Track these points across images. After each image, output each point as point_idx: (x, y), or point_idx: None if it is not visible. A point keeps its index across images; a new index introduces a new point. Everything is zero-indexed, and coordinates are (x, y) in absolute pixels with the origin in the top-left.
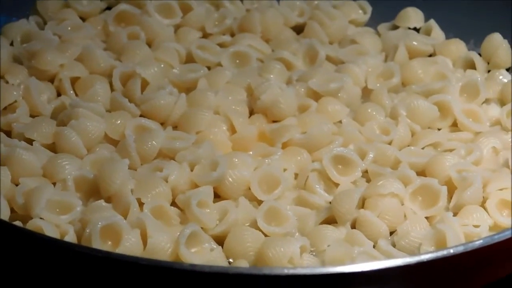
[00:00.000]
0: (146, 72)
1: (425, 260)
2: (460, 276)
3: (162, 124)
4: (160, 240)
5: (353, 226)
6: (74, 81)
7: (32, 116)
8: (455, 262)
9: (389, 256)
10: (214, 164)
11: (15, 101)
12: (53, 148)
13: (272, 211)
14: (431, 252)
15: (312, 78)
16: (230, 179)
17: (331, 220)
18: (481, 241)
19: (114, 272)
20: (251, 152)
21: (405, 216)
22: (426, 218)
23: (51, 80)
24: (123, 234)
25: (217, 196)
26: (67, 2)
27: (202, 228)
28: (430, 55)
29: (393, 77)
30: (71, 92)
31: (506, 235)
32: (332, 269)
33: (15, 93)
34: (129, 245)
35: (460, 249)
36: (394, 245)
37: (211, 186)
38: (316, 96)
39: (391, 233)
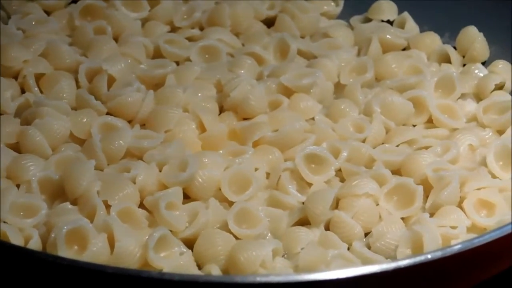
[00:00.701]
0: (112, 68)
1: (402, 266)
2: (440, 280)
3: (129, 122)
4: (128, 245)
5: (327, 228)
6: (39, 77)
7: None
8: (434, 267)
9: (364, 259)
10: (183, 164)
11: None
12: (17, 148)
13: (244, 213)
14: (408, 257)
15: (283, 74)
16: (200, 179)
17: (304, 221)
18: (459, 245)
19: (80, 280)
20: (221, 151)
21: (380, 217)
22: (402, 219)
23: (15, 77)
24: (89, 238)
25: (187, 197)
26: None
27: (171, 231)
28: (404, 49)
29: (366, 72)
30: (36, 89)
31: (486, 239)
32: (306, 276)
33: None
34: (96, 250)
35: (438, 254)
36: (369, 247)
37: (180, 187)
38: (288, 92)
39: (366, 235)
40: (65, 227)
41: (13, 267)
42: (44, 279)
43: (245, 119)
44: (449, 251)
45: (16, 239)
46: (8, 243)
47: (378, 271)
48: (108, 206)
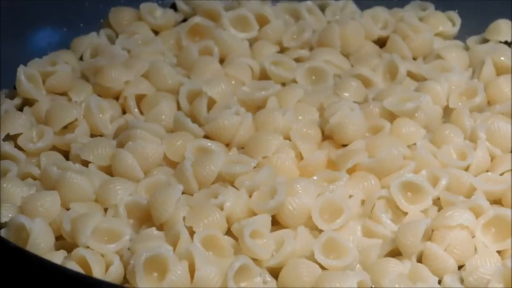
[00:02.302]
0: (213, 90)
1: None
2: None
3: (227, 145)
4: (208, 273)
5: (420, 260)
6: (140, 98)
7: (94, 135)
8: None
9: None
10: (274, 190)
11: (76, 120)
12: (110, 171)
13: (332, 243)
14: None
15: (388, 97)
16: (290, 207)
17: (397, 253)
18: None
19: None
20: (315, 178)
21: (475, 249)
22: (499, 252)
23: (117, 98)
24: (169, 266)
25: (277, 224)
26: (140, 13)
27: (256, 259)
28: None
29: (476, 96)
30: (136, 110)
31: None
32: None
33: (75, 111)
34: (175, 278)
35: None
36: (461, 281)
37: (269, 214)
38: (391, 116)
39: (460, 268)
40: (144, 254)
41: None
42: None
43: (344, 145)
44: None
45: (96, 265)
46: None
47: None
48: (193, 233)
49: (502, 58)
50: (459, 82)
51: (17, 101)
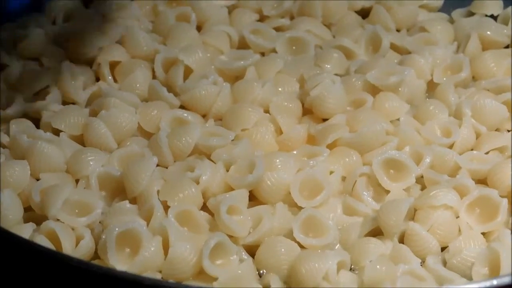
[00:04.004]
0: (189, 59)
1: None
2: None
3: (204, 116)
4: (182, 250)
5: (402, 240)
6: (114, 65)
7: (66, 103)
8: None
9: (437, 277)
10: (252, 165)
11: (48, 87)
12: (82, 140)
13: (311, 220)
14: (472, 283)
15: (371, 70)
16: (268, 182)
17: (378, 232)
18: None
19: None
20: (295, 152)
21: (459, 230)
22: (483, 234)
23: (90, 64)
24: (142, 241)
25: (255, 199)
26: None
27: (232, 237)
28: (507, 47)
29: (461, 71)
30: (110, 77)
31: None
32: None
33: (46, 78)
34: (148, 255)
35: (506, 280)
36: (444, 263)
37: (246, 189)
38: (374, 90)
39: (443, 249)
40: (116, 229)
41: (43, 271)
42: (77, 287)
43: (324, 120)
44: None
45: (66, 239)
46: (37, 245)
47: None
48: (167, 207)
49: (488, 33)
50: (444, 56)
51: None
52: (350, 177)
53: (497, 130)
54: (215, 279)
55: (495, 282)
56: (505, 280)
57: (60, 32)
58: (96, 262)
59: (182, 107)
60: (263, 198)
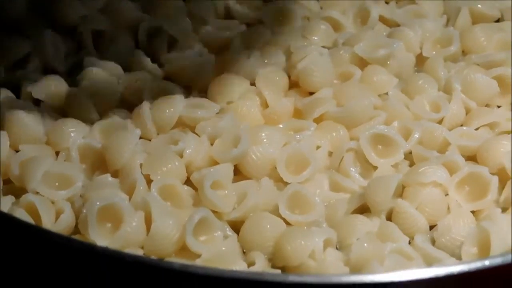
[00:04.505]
0: (174, 28)
1: (455, 273)
2: None
3: (188, 87)
4: (165, 225)
5: (389, 218)
6: (97, 35)
7: (47, 72)
8: (493, 275)
9: (425, 256)
10: (237, 138)
11: (28, 56)
12: (63, 111)
13: (297, 196)
14: (463, 263)
15: (359, 42)
16: (253, 156)
17: (365, 209)
18: None
19: (96, 266)
20: (281, 126)
21: (448, 209)
22: (473, 212)
23: (72, 33)
24: (124, 217)
25: (239, 174)
26: None
27: (216, 213)
28: (498, 21)
29: (451, 45)
30: (92, 47)
31: None
32: (342, 278)
33: (27, 46)
34: (130, 230)
35: (498, 261)
36: (433, 242)
37: (231, 164)
38: (362, 63)
39: (432, 228)
40: (98, 203)
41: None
42: (57, 262)
43: (311, 93)
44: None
45: (46, 212)
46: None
47: (418, 278)
48: (150, 181)
49: (478, 6)
50: (434, 29)
51: None
52: (337, 152)
53: (487, 105)
54: (199, 256)
55: (487, 262)
56: (497, 260)
57: (42, 0)
58: (76, 237)
59: (166, 78)
60: (248, 173)
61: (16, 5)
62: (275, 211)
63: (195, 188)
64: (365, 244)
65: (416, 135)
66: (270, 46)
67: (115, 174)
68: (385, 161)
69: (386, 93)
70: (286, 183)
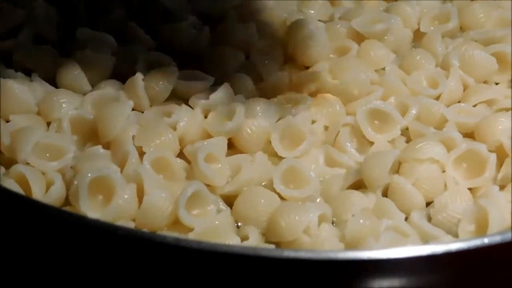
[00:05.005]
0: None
1: (453, 251)
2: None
3: (182, 59)
4: (157, 198)
5: (385, 194)
6: (90, 5)
7: (39, 42)
8: (492, 253)
9: (421, 233)
10: (231, 112)
11: (20, 24)
12: (55, 81)
13: (292, 171)
14: (461, 240)
15: (357, 17)
16: (248, 130)
17: (361, 185)
18: None
19: (85, 238)
20: (275, 99)
21: (445, 186)
22: (470, 189)
23: (65, 3)
24: (116, 189)
25: (233, 148)
26: None
27: (209, 186)
28: None
29: (449, 21)
30: (85, 18)
31: None
32: (335, 254)
33: (19, 15)
34: (122, 202)
35: (497, 239)
36: (430, 219)
37: (225, 137)
38: (359, 38)
39: (428, 205)
40: (89, 175)
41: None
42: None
43: (307, 67)
44: (509, 237)
45: (36, 183)
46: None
47: (416, 255)
48: (143, 154)
49: None
50: (432, 5)
51: None
52: (333, 127)
53: (485, 82)
54: (191, 229)
55: (486, 240)
56: (496, 238)
57: None
58: (67, 209)
59: (159, 50)
60: (242, 146)
61: None
62: (270, 186)
63: (188, 161)
64: (361, 221)
65: (413, 111)
66: (266, 19)
67: (107, 146)
68: (381, 137)
69: (383, 69)
70: (280, 158)
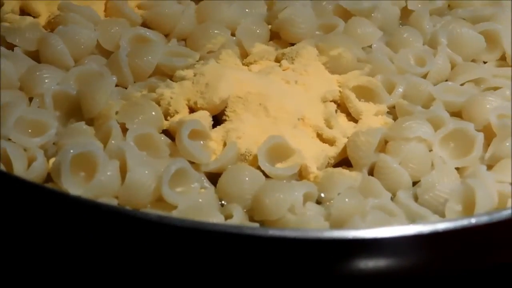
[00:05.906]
0: None
1: (440, 230)
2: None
3: (167, 35)
4: (140, 175)
5: (371, 173)
6: None
7: (22, 15)
8: (480, 233)
9: (408, 212)
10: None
11: None
12: (38, 56)
13: (278, 148)
14: (448, 220)
15: None
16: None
17: (347, 163)
18: (509, 211)
19: (67, 215)
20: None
21: (432, 165)
22: (457, 169)
23: None
24: (98, 166)
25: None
26: None
27: (194, 163)
28: None
29: None
30: None
31: None
32: (317, 233)
33: None
34: (104, 180)
35: (484, 219)
36: (416, 198)
37: (210, 113)
38: (346, 15)
39: (415, 184)
40: (71, 151)
41: None
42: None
43: (292, 44)
44: (497, 217)
45: (17, 160)
46: None
47: (402, 234)
48: (126, 130)
49: None
50: None
51: None
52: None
53: (473, 61)
54: (175, 207)
55: (473, 220)
56: (483, 219)
57: None
58: (49, 185)
59: (144, 25)
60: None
61: None
62: (254, 164)
63: (172, 138)
64: (347, 199)
65: (400, 89)
66: None
67: (90, 122)
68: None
69: (370, 46)
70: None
